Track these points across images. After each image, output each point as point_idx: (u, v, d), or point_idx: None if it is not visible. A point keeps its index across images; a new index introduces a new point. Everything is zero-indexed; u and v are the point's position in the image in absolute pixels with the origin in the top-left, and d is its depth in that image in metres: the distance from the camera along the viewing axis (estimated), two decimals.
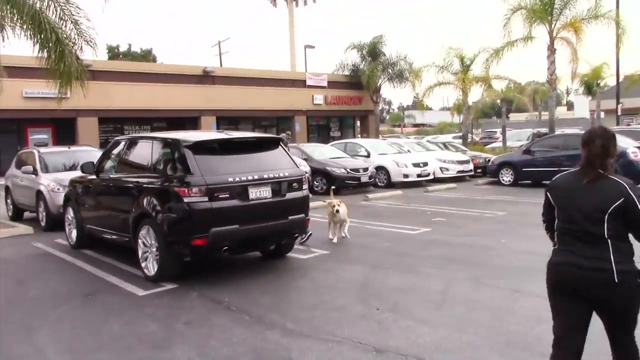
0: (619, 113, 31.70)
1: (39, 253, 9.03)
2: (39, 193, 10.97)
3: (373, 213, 12.48)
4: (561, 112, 64.06)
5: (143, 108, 25.12)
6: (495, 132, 37.97)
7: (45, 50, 11.30)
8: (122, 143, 8.35)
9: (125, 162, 8.08)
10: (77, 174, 9.44)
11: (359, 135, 34.20)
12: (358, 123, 36.98)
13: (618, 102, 30.76)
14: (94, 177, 8.51)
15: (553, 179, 3.37)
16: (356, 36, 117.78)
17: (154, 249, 6.84)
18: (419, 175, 17.76)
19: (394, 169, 17.69)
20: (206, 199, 6.49)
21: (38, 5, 11.12)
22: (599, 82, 38.24)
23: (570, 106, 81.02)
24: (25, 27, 10.97)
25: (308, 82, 32.56)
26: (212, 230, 6.48)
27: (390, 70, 33.48)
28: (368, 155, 18.33)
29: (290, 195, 7.25)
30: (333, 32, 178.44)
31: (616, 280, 2.97)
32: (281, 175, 7.17)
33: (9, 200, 13.00)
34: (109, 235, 8.10)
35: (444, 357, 4.35)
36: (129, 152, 8.09)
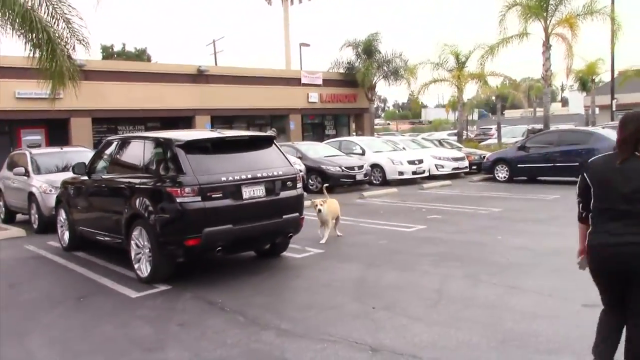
0: (614, 109, 31.77)
1: (31, 256, 8.95)
2: (31, 195, 10.88)
3: (368, 211, 12.43)
4: (556, 108, 64.11)
5: (137, 108, 24.94)
6: (490, 128, 37.91)
7: (37, 49, 11.20)
8: (114, 143, 8.27)
9: (117, 163, 8.00)
10: (70, 175, 9.36)
11: (354, 133, 34.10)
12: (353, 123, 36.93)
13: (613, 98, 30.82)
14: (85, 178, 8.43)
15: (589, 160, 3.51)
16: (351, 34, 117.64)
17: (147, 250, 6.77)
18: (414, 173, 17.72)
19: (389, 167, 17.65)
20: (199, 198, 6.42)
21: (29, 3, 11.02)
22: (593, 78, 38.28)
23: (564, 102, 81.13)
24: (16, 26, 10.86)
25: (303, 80, 32.43)
26: (205, 230, 6.42)
27: (385, 68, 33.35)
28: (363, 153, 18.30)
29: (284, 194, 7.19)
30: (328, 30, 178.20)
31: None
32: (275, 174, 7.11)
33: (0, 203, 12.89)
34: (102, 237, 8.02)
35: (440, 355, 4.30)
36: (121, 152, 8.01)
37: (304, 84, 32.54)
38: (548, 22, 23.11)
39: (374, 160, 17.86)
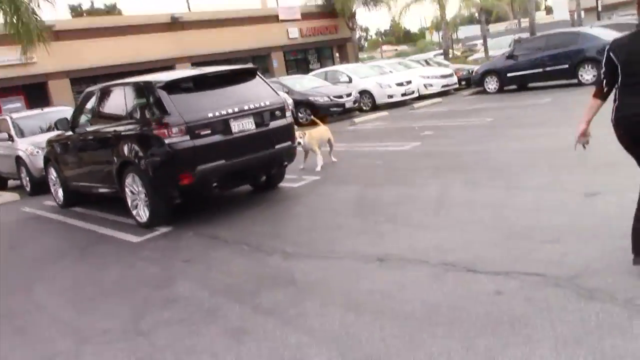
0: (600, 9, 31.10)
1: (28, 217, 8.88)
2: (19, 159, 10.70)
3: (361, 136, 12.32)
4: (540, 17, 62.71)
5: (114, 64, 24.32)
6: (476, 44, 37.29)
7: (0, 9, 10.78)
8: (94, 94, 8.01)
9: (100, 113, 7.78)
10: (54, 134, 9.16)
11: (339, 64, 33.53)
12: (337, 53, 36.21)
13: None
14: (70, 133, 8.24)
15: (612, 40, 3.61)
16: None
17: (143, 196, 6.69)
18: (403, 95, 17.49)
19: (377, 91, 17.40)
20: (188, 137, 6.28)
21: None
22: None
23: (549, 10, 79.34)
24: None
25: (281, 17, 31.53)
26: (198, 168, 6.32)
27: None
28: (350, 81, 17.98)
29: (274, 124, 7.05)
30: None
31: None
32: (262, 104, 6.94)
33: None
34: (95, 189, 7.92)
35: (446, 256, 4.30)
36: (103, 102, 7.77)
37: (283, 20, 31.70)
38: None
39: (362, 87, 17.58)
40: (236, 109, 6.66)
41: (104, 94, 7.81)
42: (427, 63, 21.93)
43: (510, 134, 9.47)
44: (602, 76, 3.63)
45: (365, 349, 3.12)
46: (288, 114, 7.41)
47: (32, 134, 11.05)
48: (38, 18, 11.86)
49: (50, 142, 9.05)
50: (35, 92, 23.26)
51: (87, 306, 4.60)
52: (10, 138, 11.02)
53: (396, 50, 70.84)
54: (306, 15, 32.73)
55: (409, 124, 13.05)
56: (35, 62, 20.64)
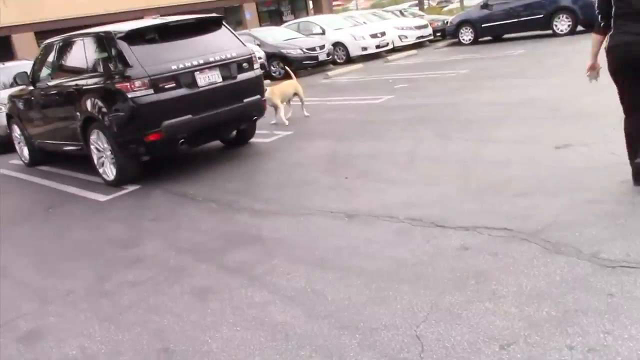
0: None
1: None
2: None
3: (334, 89, 12.13)
4: None
5: (81, 15, 23.46)
6: None
7: None
8: (54, 46, 7.66)
9: (60, 66, 7.46)
10: (17, 89, 8.79)
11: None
12: (311, 2, 35.35)
13: None
14: (31, 87, 7.91)
15: None
16: None
17: (109, 153, 6.50)
18: (377, 47, 17.20)
19: (351, 43, 17.07)
20: (151, 91, 6.05)
21: None
22: None
23: None
24: None
25: None
26: (164, 123, 6.12)
27: None
28: (323, 33, 17.58)
29: (241, 77, 6.84)
30: None
31: None
32: (228, 56, 6.71)
33: None
34: (61, 147, 7.69)
35: (416, 211, 4.26)
36: (63, 55, 7.43)
37: None
38: None
39: (336, 39, 17.22)
40: (201, 61, 6.43)
41: (64, 46, 7.46)
42: (402, 14, 21.55)
43: (483, 86, 9.39)
44: (597, 10, 3.82)
45: (329, 306, 3.09)
46: (256, 66, 7.18)
47: None
48: None
49: (12, 98, 8.69)
50: None
51: (51, 268, 4.49)
52: None
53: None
54: None
55: (383, 76, 12.88)
56: None
